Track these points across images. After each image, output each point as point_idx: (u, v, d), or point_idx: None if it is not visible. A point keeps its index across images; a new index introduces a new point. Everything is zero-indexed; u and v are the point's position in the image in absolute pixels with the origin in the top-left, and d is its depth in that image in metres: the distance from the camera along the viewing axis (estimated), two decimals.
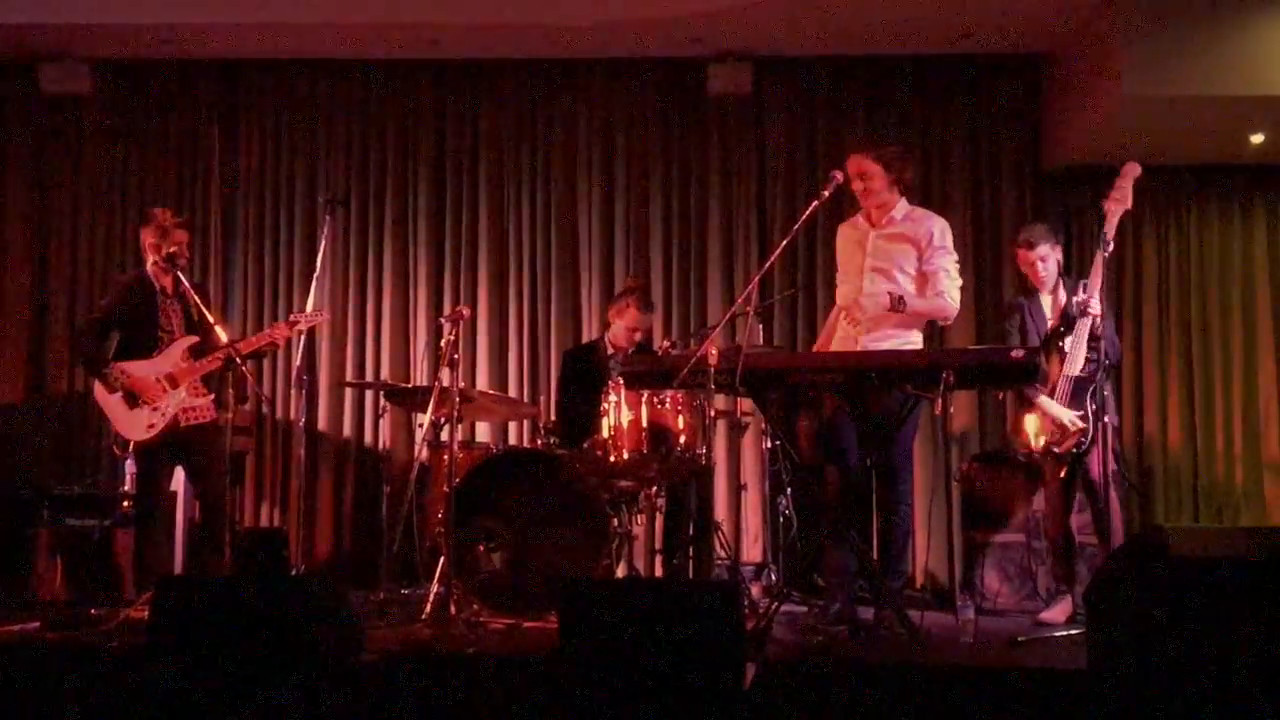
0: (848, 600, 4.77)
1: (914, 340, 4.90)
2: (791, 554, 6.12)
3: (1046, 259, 5.24)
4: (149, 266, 5.43)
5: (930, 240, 4.87)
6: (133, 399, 5.22)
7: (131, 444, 5.26)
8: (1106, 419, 4.78)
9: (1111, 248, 4.75)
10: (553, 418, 6.21)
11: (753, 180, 7.23)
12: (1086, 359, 4.89)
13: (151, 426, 5.22)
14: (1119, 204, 4.77)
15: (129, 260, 7.04)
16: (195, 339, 5.36)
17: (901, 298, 4.76)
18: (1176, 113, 6.28)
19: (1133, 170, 4.83)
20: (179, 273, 5.32)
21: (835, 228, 5.27)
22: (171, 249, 5.31)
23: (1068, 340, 4.90)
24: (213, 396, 5.38)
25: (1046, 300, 5.27)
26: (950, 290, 4.87)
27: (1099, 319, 4.82)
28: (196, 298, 5.31)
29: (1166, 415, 7.04)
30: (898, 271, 4.87)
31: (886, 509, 4.82)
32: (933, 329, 5.26)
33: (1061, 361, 4.92)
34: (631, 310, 5.95)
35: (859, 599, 4.94)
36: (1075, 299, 4.88)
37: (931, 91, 7.20)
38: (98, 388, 5.32)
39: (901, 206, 4.94)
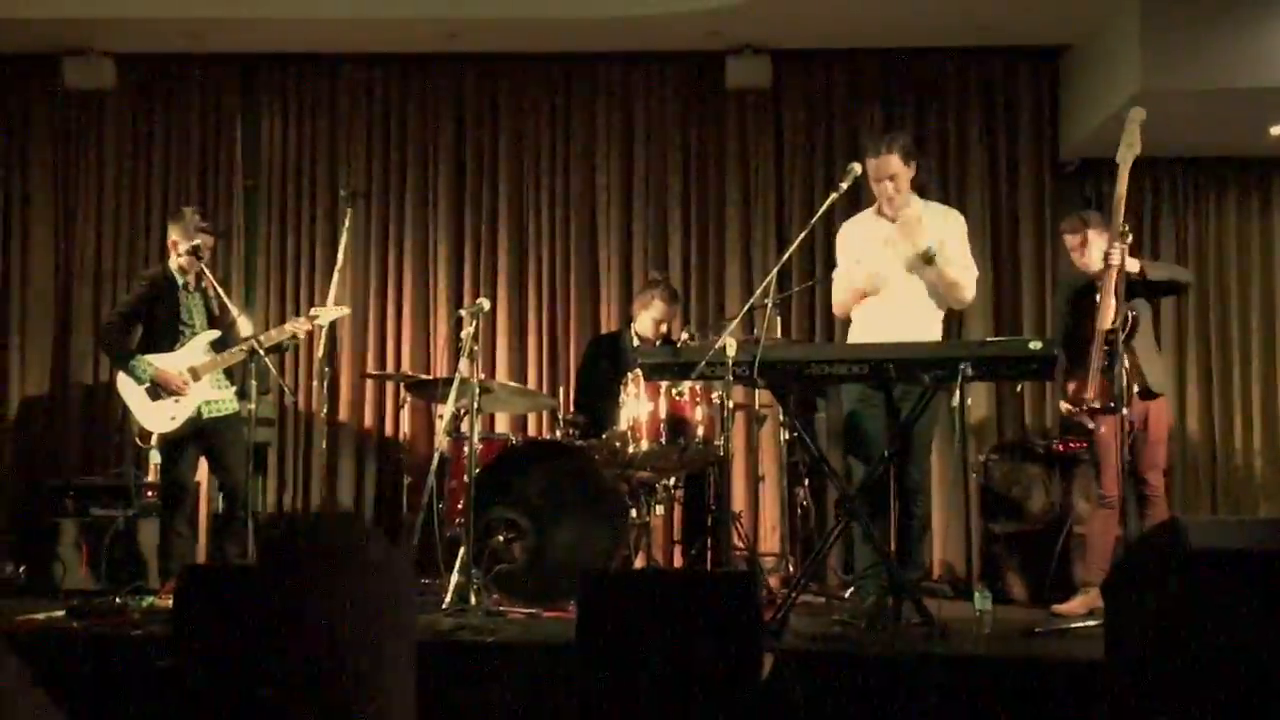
0: (879, 593, 4.70)
1: (934, 331, 4.91)
2: (809, 545, 6.14)
3: (1084, 246, 5.21)
4: (172, 261, 5.48)
5: (955, 236, 4.87)
6: (155, 392, 5.28)
7: (155, 436, 5.33)
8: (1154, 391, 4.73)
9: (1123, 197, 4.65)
10: (573, 405, 6.23)
11: (771, 173, 7.23)
12: (1118, 312, 4.83)
13: (173, 419, 5.28)
14: (1130, 149, 4.67)
15: (153, 253, 7.11)
16: (217, 333, 5.42)
17: (934, 254, 4.75)
18: (1196, 105, 6.26)
19: (1139, 115, 4.71)
20: (203, 266, 5.37)
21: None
22: (195, 241, 5.37)
23: (1097, 296, 4.84)
24: (235, 389, 5.44)
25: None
26: (971, 281, 4.89)
27: (1120, 270, 4.75)
28: (219, 291, 5.37)
29: (1185, 406, 7.02)
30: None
31: (904, 500, 4.83)
32: (950, 323, 5.24)
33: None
34: (657, 302, 5.97)
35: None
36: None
37: (950, 84, 7.19)
38: (120, 380, 5.37)
39: (916, 201, 4.92)
